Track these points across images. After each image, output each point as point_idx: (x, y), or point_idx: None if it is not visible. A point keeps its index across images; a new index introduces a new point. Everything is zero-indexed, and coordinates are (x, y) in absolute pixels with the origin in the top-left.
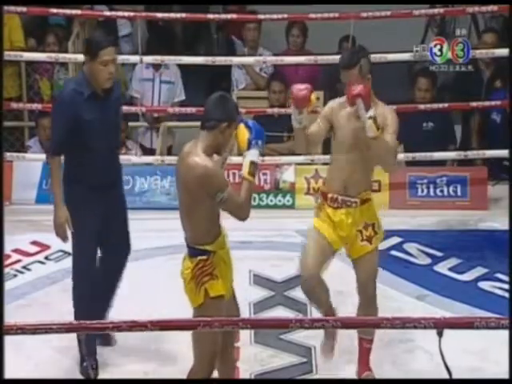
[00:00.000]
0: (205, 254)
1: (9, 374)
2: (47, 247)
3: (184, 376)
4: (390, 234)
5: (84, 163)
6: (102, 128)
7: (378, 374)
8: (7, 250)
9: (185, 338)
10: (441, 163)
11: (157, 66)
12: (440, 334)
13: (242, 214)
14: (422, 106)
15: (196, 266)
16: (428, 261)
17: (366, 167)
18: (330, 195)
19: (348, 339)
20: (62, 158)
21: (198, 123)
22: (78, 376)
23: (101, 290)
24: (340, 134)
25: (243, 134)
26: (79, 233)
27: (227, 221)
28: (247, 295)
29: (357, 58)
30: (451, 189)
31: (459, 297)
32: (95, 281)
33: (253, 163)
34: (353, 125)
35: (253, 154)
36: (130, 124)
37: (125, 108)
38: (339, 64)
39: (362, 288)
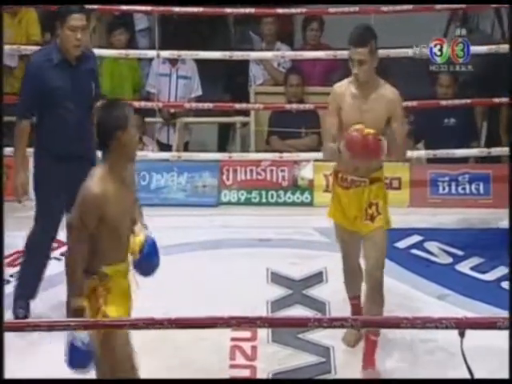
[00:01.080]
0: (99, 278)
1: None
2: (63, 244)
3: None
4: (410, 232)
5: (53, 130)
6: (72, 96)
7: (399, 374)
8: (23, 246)
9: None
10: (463, 160)
11: (173, 61)
12: (462, 335)
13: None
14: (443, 102)
15: (93, 287)
16: (449, 260)
17: None
18: (340, 175)
19: None
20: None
21: (215, 119)
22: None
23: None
24: (347, 115)
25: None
26: (41, 204)
27: (243, 217)
28: (265, 293)
29: (369, 36)
30: (473, 186)
31: (481, 297)
32: (44, 254)
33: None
34: (358, 106)
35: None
36: (147, 120)
37: (141, 103)
38: (349, 41)
39: (368, 272)
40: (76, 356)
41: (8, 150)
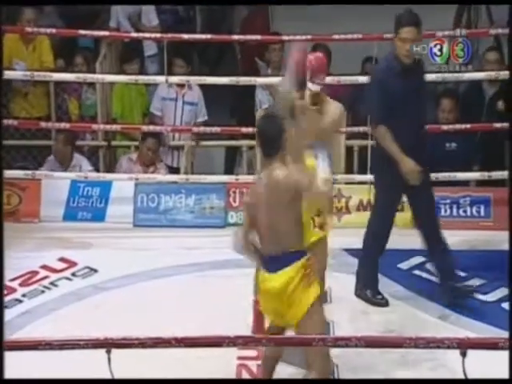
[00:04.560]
0: (307, 253)
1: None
2: (74, 264)
3: None
4: (412, 253)
5: (396, 136)
6: (408, 103)
7: None
8: (35, 266)
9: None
10: (464, 183)
11: (180, 86)
12: (464, 355)
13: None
14: (445, 127)
15: (305, 265)
16: None
17: None
18: None
19: (370, 356)
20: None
21: (220, 142)
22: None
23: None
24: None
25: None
26: (383, 196)
27: None
28: None
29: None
30: (474, 209)
31: (483, 317)
32: (382, 243)
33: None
34: (311, 124)
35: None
36: None
37: (150, 127)
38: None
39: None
40: None
41: (21, 173)
